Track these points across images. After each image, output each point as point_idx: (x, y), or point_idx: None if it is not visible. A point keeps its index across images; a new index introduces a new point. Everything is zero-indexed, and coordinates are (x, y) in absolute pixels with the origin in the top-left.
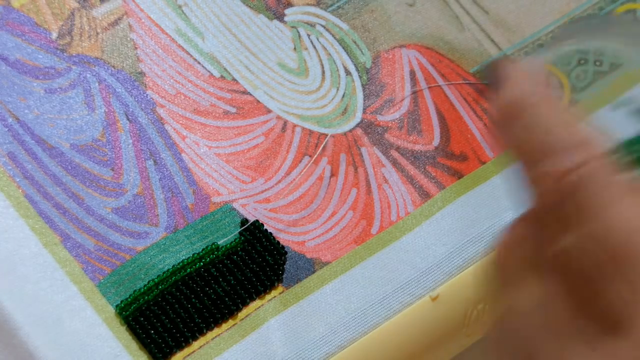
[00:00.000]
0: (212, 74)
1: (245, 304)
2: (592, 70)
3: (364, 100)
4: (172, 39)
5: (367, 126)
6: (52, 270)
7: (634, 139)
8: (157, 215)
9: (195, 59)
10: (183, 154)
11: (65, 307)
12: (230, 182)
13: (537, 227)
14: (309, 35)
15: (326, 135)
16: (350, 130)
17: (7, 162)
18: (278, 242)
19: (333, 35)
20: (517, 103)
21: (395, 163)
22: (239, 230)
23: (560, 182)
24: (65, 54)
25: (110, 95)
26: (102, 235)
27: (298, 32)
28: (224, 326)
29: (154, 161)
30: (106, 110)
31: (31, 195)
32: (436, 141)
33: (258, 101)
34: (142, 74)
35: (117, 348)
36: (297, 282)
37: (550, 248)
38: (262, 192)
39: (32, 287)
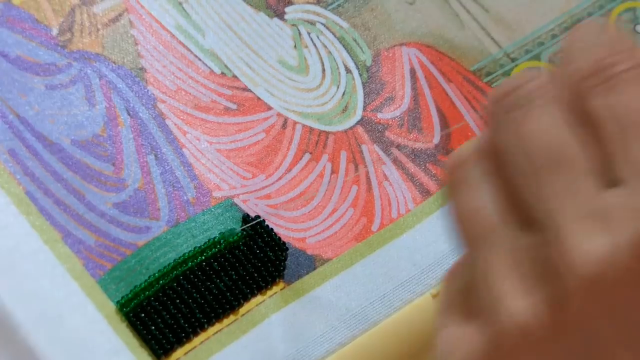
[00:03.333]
0: (212, 71)
1: (246, 299)
2: None
3: (365, 98)
4: (173, 35)
5: (367, 124)
6: (52, 267)
7: None
8: (159, 209)
9: (196, 56)
10: (184, 149)
11: (66, 303)
12: (231, 177)
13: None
14: (309, 33)
15: (327, 133)
16: (351, 128)
17: (7, 159)
18: (279, 238)
19: (333, 34)
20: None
21: (395, 161)
22: (242, 227)
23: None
24: (65, 50)
25: (111, 91)
26: (103, 230)
27: (298, 30)
28: (225, 322)
29: (155, 156)
30: (107, 105)
31: (32, 192)
32: (436, 139)
33: (259, 98)
34: (142, 69)
35: (118, 344)
36: (298, 279)
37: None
38: (263, 188)
39: (32, 284)
